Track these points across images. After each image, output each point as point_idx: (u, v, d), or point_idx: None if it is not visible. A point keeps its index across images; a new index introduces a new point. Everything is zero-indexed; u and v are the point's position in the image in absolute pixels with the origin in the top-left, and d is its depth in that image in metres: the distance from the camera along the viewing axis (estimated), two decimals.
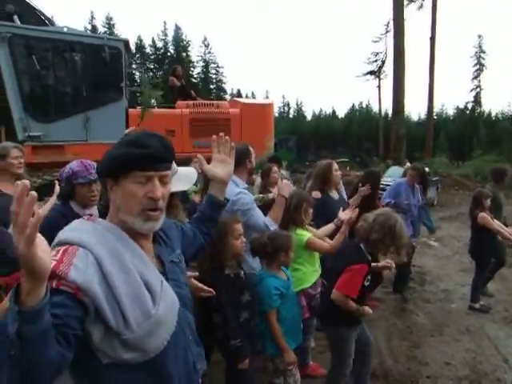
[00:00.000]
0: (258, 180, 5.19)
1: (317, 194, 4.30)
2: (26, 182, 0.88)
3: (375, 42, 45.78)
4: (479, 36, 50.84)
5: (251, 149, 3.50)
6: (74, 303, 1.13)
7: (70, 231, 1.29)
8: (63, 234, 1.28)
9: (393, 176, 14.66)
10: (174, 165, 2.03)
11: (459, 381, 3.78)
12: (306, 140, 43.04)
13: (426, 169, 12.61)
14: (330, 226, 3.65)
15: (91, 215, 2.73)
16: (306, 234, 3.37)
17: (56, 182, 3.92)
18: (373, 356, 3.50)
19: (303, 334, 3.17)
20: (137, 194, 1.31)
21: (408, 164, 18.82)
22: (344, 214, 3.53)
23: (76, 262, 1.18)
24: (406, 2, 25.88)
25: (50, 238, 2.48)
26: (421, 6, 32.62)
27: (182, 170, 2.13)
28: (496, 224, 5.21)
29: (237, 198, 3.08)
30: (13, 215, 0.87)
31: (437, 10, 30.56)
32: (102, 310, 1.17)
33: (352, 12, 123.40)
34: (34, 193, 0.89)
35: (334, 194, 4.60)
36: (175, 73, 9.59)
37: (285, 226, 3.31)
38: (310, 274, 3.45)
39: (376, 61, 46.60)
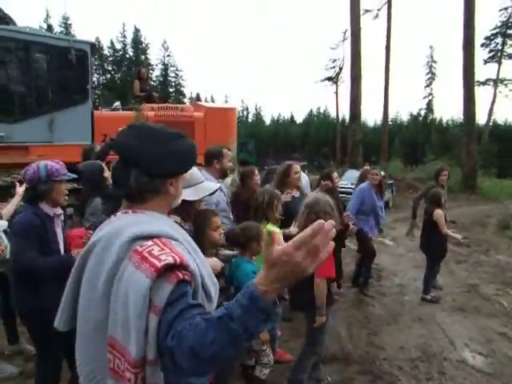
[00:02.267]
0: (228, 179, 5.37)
1: (286, 197, 4.55)
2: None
3: (333, 49, 46.75)
4: (431, 47, 53.05)
5: (225, 151, 3.81)
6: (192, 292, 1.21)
7: (142, 224, 1.28)
8: (137, 229, 1.25)
9: (349, 179, 15.23)
10: (201, 175, 2.43)
11: (412, 361, 4.16)
12: (265, 144, 43.49)
13: (382, 172, 13.23)
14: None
15: (60, 215, 2.94)
16: (273, 229, 3.67)
17: (17, 183, 4.04)
18: (331, 342, 3.85)
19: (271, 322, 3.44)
20: None
21: (366, 167, 19.45)
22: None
23: (182, 252, 1.24)
24: (362, 12, 26.79)
25: (29, 236, 2.66)
26: (376, 16, 33.83)
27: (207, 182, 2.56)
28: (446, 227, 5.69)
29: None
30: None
31: (391, 20, 31.86)
32: (198, 293, 1.26)
33: (311, 19, 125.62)
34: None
35: (295, 193, 4.87)
36: (140, 75, 9.67)
37: (258, 220, 3.59)
38: None
39: (334, 67, 47.57)
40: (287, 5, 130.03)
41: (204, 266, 1.36)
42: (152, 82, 48.74)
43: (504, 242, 10.90)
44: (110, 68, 50.75)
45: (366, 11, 32.13)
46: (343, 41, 44.38)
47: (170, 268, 1.13)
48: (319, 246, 0.99)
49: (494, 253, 9.42)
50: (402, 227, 12.25)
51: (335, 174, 6.02)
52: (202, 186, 2.49)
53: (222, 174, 4.05)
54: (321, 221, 0.99)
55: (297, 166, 4.82)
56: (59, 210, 2.98)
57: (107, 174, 4.09)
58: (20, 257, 2.69)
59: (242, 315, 0.99)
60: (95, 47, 8.60)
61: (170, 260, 1.13)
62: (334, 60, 47.26)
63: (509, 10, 42.13)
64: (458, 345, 4.52)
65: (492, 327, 5.01)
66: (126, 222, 1.30)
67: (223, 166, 3.93)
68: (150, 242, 1.20)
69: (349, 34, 28.64)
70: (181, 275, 1.15)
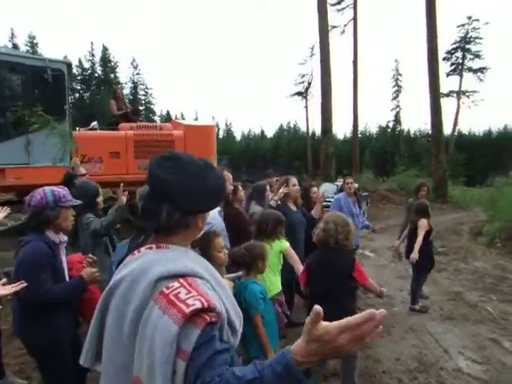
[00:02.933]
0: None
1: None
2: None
3: (301, 64, 47.64)
4: (396, 60, 54.78)
5: (226, 173, 3.77)
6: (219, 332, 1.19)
7: (167, 262, 1.26)
8: (162, 267, 1.23)
9: (325, 192, 15.36)
10: None
11: (410, 373, 4.19)
12: (237, 160, 43.63)
13: (356, 185, 13.43)
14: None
15: (65, 241, 2.88)
16: (285, 243, 3.70)
17: None
18: None
19: None
20: None
21: (340, 180, 19.81)
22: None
23: (208, 292, 1.21)
24: (329, 28, 27.39)
25: (43, 266, 2.57)
26: (343, 32, 34.78)
27: None
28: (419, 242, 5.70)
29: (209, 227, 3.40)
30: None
31: (357, 35, 32.74)
32: (224, 329, 1.23)
33: (279, 34, 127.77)
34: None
35: (292, 206, 4.92)
36: (115, 95, 9.63)
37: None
38: (277, 281, 3.73)
39: (303, 82, 48.44)
40: (256, 21, 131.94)
41: (228, 299, 1.34)
42: None
43: (479, 249, 11.21)
44: (79, 87, 50.15)
45: (333, 27, 32.95)
46: (311, 56, 45.38)
47: (198, 312, 1.12)
48: (366, 333, 0.98)
49: (472, 260, 9.68)
50: (380, 238, 12.45)
51: (314, 189, 6.06)
52: None
53: (225, 197, 3.88)
54: (372, 310, 0.98)
55: (294, 179, 4.89)
56: (64, 237, 2.90)
57: (100, 199, 4.09)
58: (37, 289, 2.57)
59: (274, 382, 0.99)
60: (72, 67, 8.47)
61: (197, 305, 1.12)
62: (303, 75, 48.13)
63: (466, 27, 44.22)
64: (452, 353, 4.59)
65: (482, 334, 5.11)
66: (152, 260, 1.27)
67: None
68: (176, 284, 1.18)
69: (317, 49, 29.39)
70: (208, 318, 1.13)
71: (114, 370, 1.25)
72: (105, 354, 1.29)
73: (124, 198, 3.96)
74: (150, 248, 1.32)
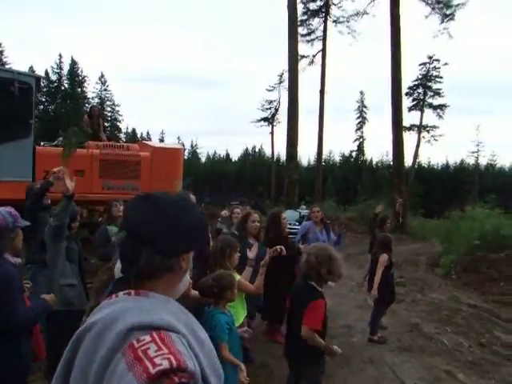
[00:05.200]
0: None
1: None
2: None
3: (269, 90, 48.47)
4: (361, 92, 56.40)
5: (192, 196, 3.79)
6: None
7: (142, 312, 1.18)
8: (136, 318, 1.15)
9: (289, 219, 15.46)
10: None
11: None
12: (201, 182, 43.56)
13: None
14: (248, 270, 3.90)
15: (20, 264, 2.79)
16: (236, 276, 3.68)
17: None
18: None
19: None
20: None
21: (303, 207, 20.09)
22: (250, 253, 3.89)
23: (181, 349, 1.12)
24: (299, 57, 28.08)
25: (16, 290, 2.49)
26: (312, 62, 35.69)
27: None
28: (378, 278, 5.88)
29: None
30: None
31: (326, 66, 33.71)
32: None
33: (248, 59, 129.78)
34: None
35: (252, 240, 4.89)
36: (91, 113, 9.61)
37: (211, 267, 3.57)
38: (239, 313, 3.70)
39: (270, 108, 49.20)
40: (226, 43, 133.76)
41: (208, 357, 1.24)
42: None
43: (435, 280, 11.49)
44: (44, 99, 49.06)
45: (302, 57, 33.76)
46: (279, 83, 46.27)
47: (166, 372, 1.04)
48: None
49: (429, 291, 9.91)
50: None
51: (284, 215, 6.11)
52: None
53: None
54: None
55: (256, 215, 4.88)
56: (18, 259, 2.83)
57: (76, 224, 4.07)
58: (15, 313, 2.46)
59: None
60: (40, 81, 8.34)
61: (165, 365, 1.04)
62: (271, 101, 48.92)
63: (427, 66, 46.50)
64: None
65: (437, 366, 5.24)
66: (125, 308, 1.20)
67: None
68: (147, 337, 1.10)
69: (285, 76, 30.02)
70: (177, 379, 1.05)
71: None
72: None
73: (71, 185, 3.57)
74: (129, 294, 1.26)
